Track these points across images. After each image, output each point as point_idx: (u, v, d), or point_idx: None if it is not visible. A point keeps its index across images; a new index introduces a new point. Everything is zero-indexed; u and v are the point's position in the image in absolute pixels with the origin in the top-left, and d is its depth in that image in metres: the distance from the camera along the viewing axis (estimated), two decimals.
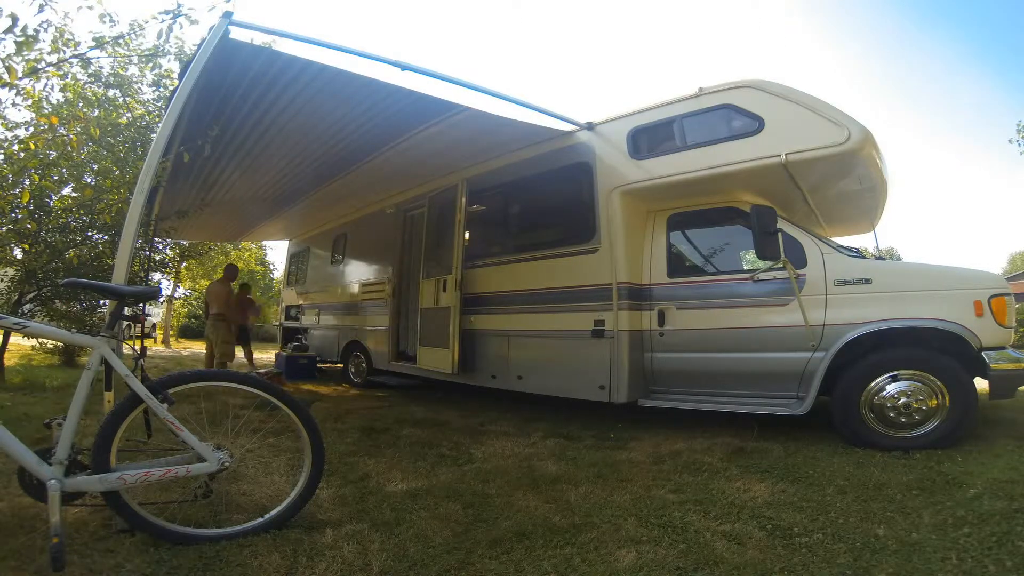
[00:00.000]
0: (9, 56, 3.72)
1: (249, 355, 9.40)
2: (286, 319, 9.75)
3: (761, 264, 3.80)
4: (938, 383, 3.22)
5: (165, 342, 16.05)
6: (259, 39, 3.42)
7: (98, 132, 4.90)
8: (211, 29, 2.73)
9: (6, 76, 3.69)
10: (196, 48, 2.98)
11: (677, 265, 4.33)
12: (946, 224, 75.62)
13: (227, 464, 2.11)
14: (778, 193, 4.08)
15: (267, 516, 2.17)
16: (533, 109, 4.24)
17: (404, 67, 3.45)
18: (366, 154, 4.98)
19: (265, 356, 12.09)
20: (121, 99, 5.94)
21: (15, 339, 6.85)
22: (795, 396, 3.61)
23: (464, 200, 5.18)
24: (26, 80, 4.08)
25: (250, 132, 4.34)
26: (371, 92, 3.71)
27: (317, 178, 5.80)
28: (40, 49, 4.09)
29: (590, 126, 4.57)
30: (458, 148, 4.88)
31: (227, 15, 2.76)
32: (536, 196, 5.07)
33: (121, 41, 5.17)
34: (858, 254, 4.05)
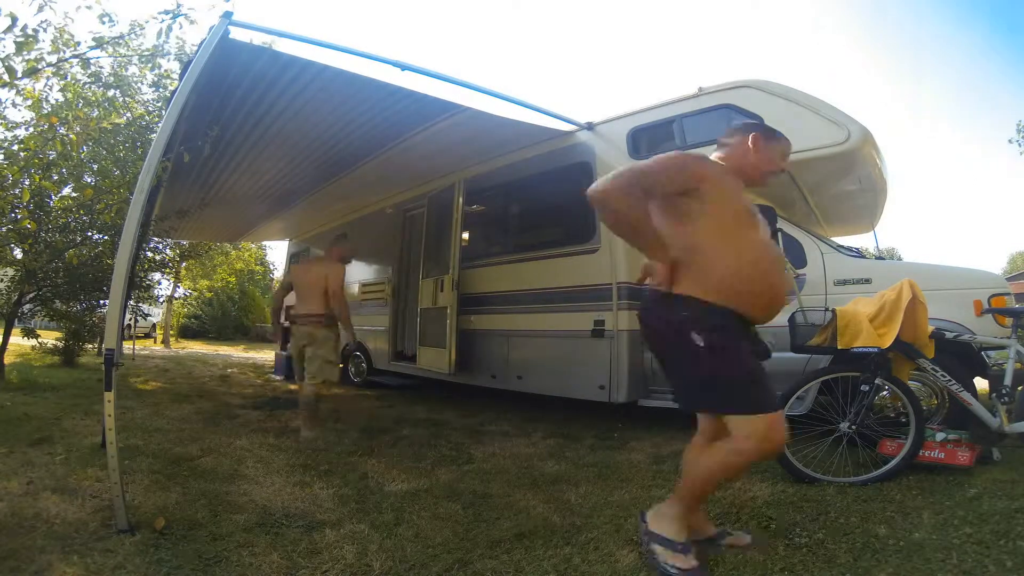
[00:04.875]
0: (9, 56, 3.72)
1: None
2: (286, 319, 9.74)
3: None
4: (938, 383, 3.22)
5: (165, 342, 16.04)
6: (259, 39, 3.42)
7: (97, 134, 4.89)
8: (211, 29, 2.72)
9: (6, 76, 3.68)
10: (196, 48, 2.98)
11: None
12: (946, 224, 75.70)
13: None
14: (778, 193, 4.07)
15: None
16: (533, 109, 4.24)
17: (404, 67, 3.45)
18: (366, 154, 4.98)
19: (265, 356, 12.10)
20: (121, 99, 5.93)
21: (15, 339, 6.84)
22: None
23: (461, 200, 5.18)
24: (26, 80, 4.08)
25: (250, 132, 4.34)
26: (371, 92, 3.71)
27: (317, 178, 5.80)
28: (40, 49, 4.09)
29: (590, 126, 4.57)
30: (458, 148, 4.88)
31: (227, 15, 2.76)
32: (536, 196, 5.07)
33: (121, 41, 5.17)
34: (858, 254, 4.06)
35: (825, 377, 3.03)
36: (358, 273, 7.40)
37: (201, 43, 2.76)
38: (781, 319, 3.27)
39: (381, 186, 6.18)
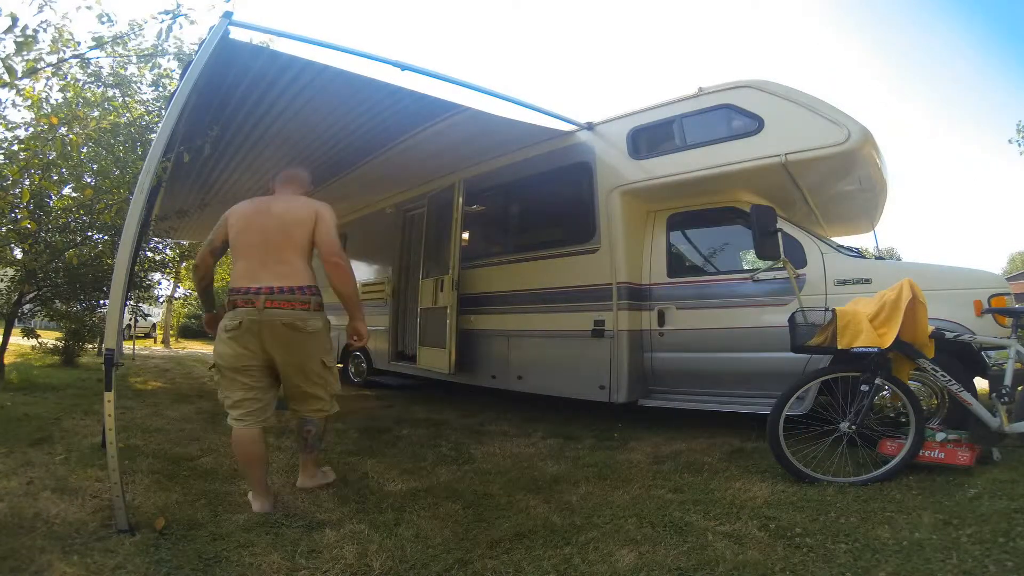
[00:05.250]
0: (9, 56, 3.72)
1: None
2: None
3: (761, 264, 3.80)
4: (938, 383, 3.22)
5: (165, 342, 16.04)
6: (259, 39, 3.42)
7: (96, 135, 4.89)
8: (211, 29, 2.72)
9: (6, 76, 3.68)
10: (196, 48, 2.98)
11: (677, 265, 4.33)
12: (946, 224, 75.63)
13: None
14: (778, 193, 4.07)
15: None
16: (533, 109, 4.24)
17: (404, 67, 3.45)
18: (366, 154, 4.98)
19: None
20: (120, 99, 5.93)
21: (14, 338, 6.84)
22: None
23: (461, 200, 5.18)
24: (26, 80, 4.08)
25: (250, 132, 4.34)
26: (372, 92, 3.71)
27: (317, 178, 5.79)
28: (40, 49, 4.09)
29: (590, 126, 4.57)
30: (458, 148, 4.88)
31: (227, 15, 2.75)
32: (536, 196, 5.07)
33: (120, 41, 5.16)
34: (858, 254, 4.05)
35: (825, 377, 3.03)
36: (358, 273, 7.40)
37: (201, 43, 2.76)
38: (781, 319, 3.32)
39: (381, 186, 6.17)
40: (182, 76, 2.73)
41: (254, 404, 2.42)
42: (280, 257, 2.40)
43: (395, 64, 3.42)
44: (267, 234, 2.43)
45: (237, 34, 2.85)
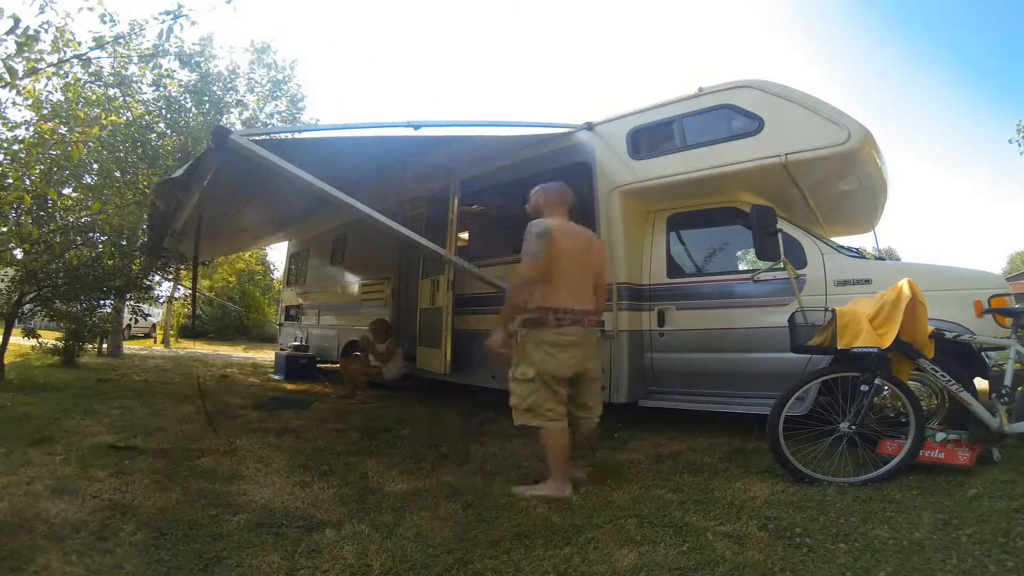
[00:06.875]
0: (10, 56, 3.72)
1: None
2: (286, 319, 9.77)
3: (761, 264, 3.80)
4: (938, 383, 3.22)
5: (165, 342, 16.03)
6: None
7: (96, 133, 4.90)
8: (206, 142, 2.96)
9: (7, 77, 3.69)
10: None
11: (677, 265, 4.33)
12: (946, 224, 75.64)
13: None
14: (778, 193, 4.07)
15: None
16: (539, 127, 4.33)
17: (417, 126, 3.71)
18: (370, 180, 5.05)
19: (265, 356, 12.11)
20: (121, 99, 5.94)
21: (15, 338, 6.84)
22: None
23: (457, 200, 5.17)
24: (26, 80, 4.07)
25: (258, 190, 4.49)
26: (380, 148, 3.97)
27: (321, 208, 5.88)
28: (41, 50, 4.09)
29: (589, 126, 4.57)
30: (459, 159, 4.92)
31: (222, 130, 3.03)
32: None
33: (121, 41, 5.16)
34: (858, 254, 4.06)
35: (825, 377, 3.03)
36: (358, 273, 7.42)
37: (202, 153, 3.03)
38: (781, 320, 3.32)
39: (381, 196, 6.25)
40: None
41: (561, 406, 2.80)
42: (587, 284, 2.87)
43: (408, 125, 3.71)
44: (580, 263, 2.84)
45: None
